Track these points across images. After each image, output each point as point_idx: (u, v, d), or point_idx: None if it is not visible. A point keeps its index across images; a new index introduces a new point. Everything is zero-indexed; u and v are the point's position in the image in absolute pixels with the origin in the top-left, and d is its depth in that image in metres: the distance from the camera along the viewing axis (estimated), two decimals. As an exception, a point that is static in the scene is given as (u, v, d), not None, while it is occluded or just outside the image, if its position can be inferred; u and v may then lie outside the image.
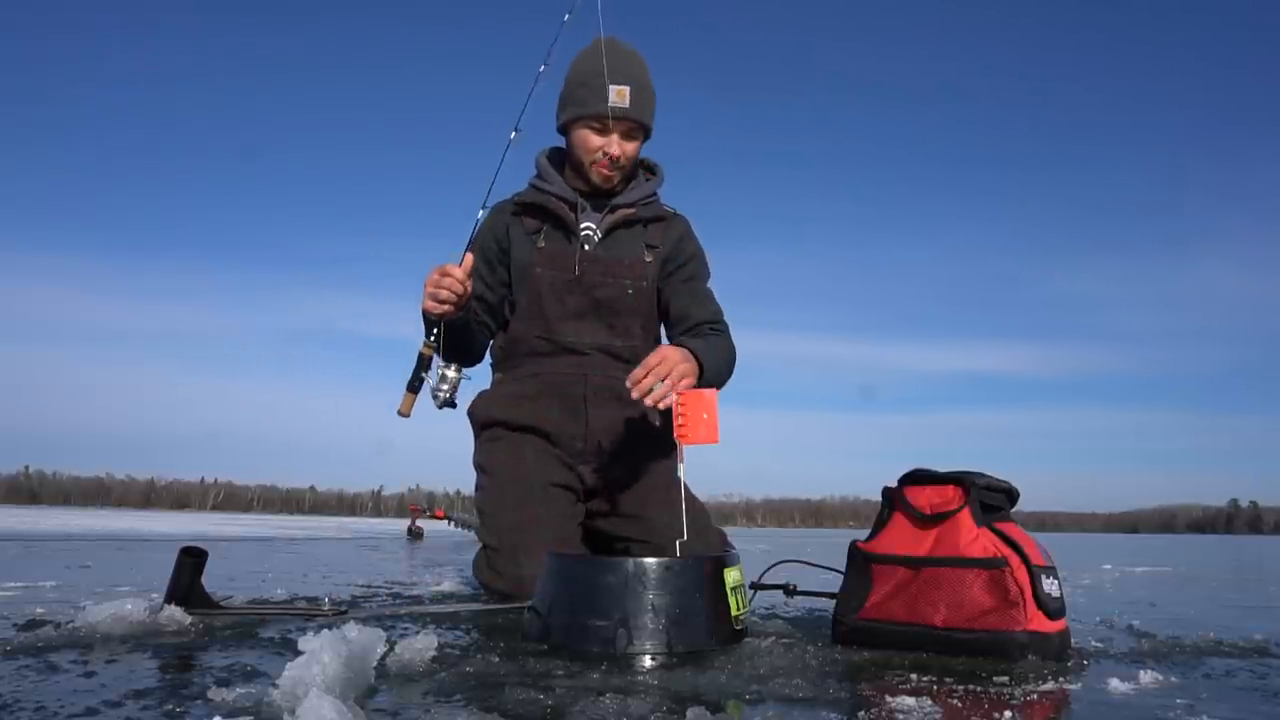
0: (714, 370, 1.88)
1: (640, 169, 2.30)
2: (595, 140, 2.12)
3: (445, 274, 1.91)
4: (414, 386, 1.94)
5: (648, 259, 2.20)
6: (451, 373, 1.95)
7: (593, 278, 2.15)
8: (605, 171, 2.15)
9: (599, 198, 2.22)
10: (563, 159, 2.25)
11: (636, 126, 2.14)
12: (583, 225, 2.19)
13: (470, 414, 2.22)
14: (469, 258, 1.98)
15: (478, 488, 2.15)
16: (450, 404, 1.96)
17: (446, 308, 1.92)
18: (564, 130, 2.20)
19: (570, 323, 2.15)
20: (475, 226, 2.11)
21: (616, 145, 2.12)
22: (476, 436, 2.22)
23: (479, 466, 2.16)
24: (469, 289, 1.96)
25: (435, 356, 1.96)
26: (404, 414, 1.95)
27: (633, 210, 2.21)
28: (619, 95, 2.08)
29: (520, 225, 2.19)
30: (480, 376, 2.24)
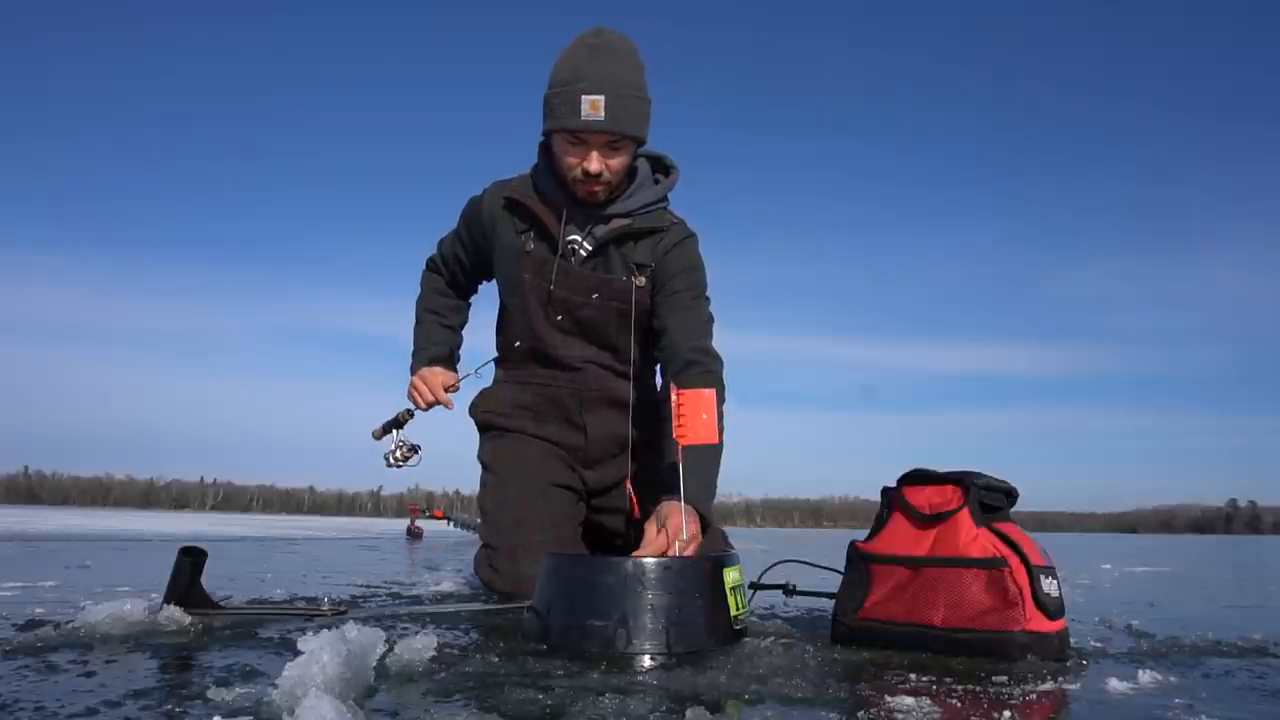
0: (708, 491, 1.77)
1: (651, 170, 2.07)
2: (571, 157, 1.89)
3: (433, 389, 2.15)
4: (387, 428, 2.20)
5: (639, 281, 1.99)
6: (400, 453, 2.17)
7: (574, 298, 2.00)
8: (585, 189, 1.93)
9: (591, 206, 1.99)
10: None
11: (619, 138, 1.87)
12: (568, 237, 2.00)
13: (472, 414, 2.22)
14: (459, 385, 2.20)
15: (482, 485, 2.14)
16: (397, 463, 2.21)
17: (421, 409, 2.19)
18: (547, 139, 1.98)
19: (558, 336, 2.05)
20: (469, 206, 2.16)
21: (596, 161, 1.87)
22: (480, 434, 2.21)
23: (484, 463, 2.15)
24: (450, 405, 2.19)
25: (409, 423, 2.21)
26: (376, 438, 2.21)
27: (628, 221, 1.99)
28: (592, 107, 1.81)
29: (509, 221, 2.05)
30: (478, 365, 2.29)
